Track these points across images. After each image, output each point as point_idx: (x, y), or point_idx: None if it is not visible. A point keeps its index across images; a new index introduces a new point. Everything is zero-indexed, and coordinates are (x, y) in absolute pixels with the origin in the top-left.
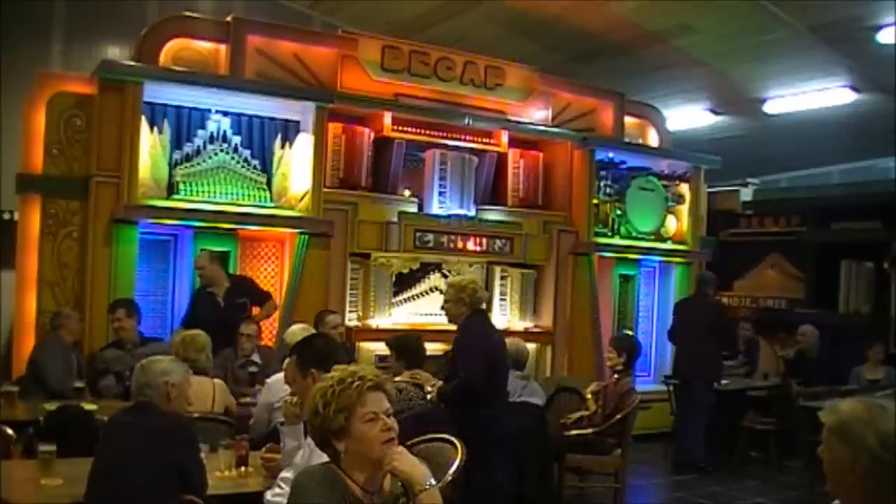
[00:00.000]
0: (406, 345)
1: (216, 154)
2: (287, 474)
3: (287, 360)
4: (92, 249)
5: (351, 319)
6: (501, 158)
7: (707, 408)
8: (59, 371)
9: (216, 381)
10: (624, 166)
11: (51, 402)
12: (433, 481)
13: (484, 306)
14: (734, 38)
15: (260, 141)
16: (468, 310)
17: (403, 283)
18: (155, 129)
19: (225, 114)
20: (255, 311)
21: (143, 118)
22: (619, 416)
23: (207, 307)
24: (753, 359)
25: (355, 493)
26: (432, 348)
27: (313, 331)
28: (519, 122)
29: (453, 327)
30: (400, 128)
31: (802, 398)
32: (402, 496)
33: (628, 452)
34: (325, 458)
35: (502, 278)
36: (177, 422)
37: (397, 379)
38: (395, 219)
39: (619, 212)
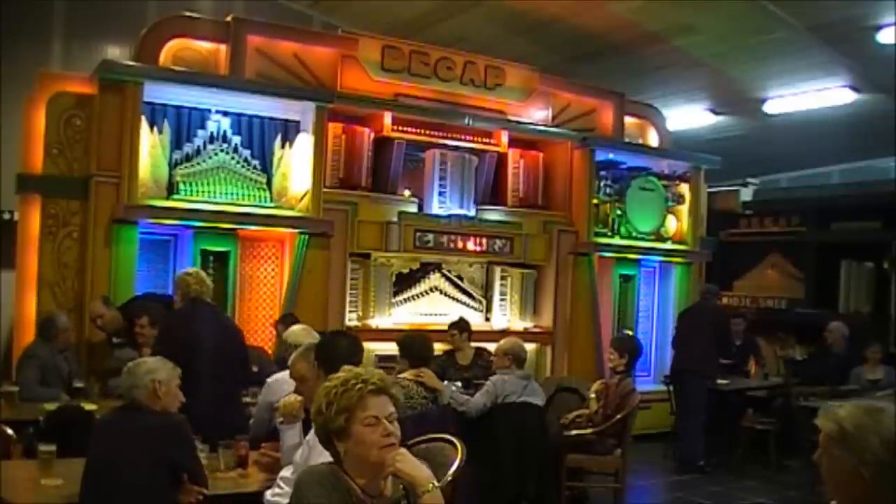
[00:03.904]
0: (412, 343)
1: (216, 154)
2: (287, 473)
3: (293, 357)
4: (92, 249)
5: (351, 319)
6: (501, 158)
7: (704, 406)
8: (31, 382)
9: None
10: (624, 166)
11: (51, 402)
12: (436, 482)
13: (207, 297)
14: (734, 38)
15: (260, 141)
16: (183, 300)
17: (403, 283)
18: (155, 129)
19: (225, 114)
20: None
21: (143, 118)
22: (619, 417)
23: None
24: (757, 356)
25: (357, 495)
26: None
27: (314, 332)
28: (519, 122)
29: None
30: (400, 128)
31: (802, 398)
32: (403, 499)
33: (628, 452)
34: (324, 457)
35: (502, 278)
36: (167, 419)
37: (401, 376)
38: (395, 219)
39: (619, 212)
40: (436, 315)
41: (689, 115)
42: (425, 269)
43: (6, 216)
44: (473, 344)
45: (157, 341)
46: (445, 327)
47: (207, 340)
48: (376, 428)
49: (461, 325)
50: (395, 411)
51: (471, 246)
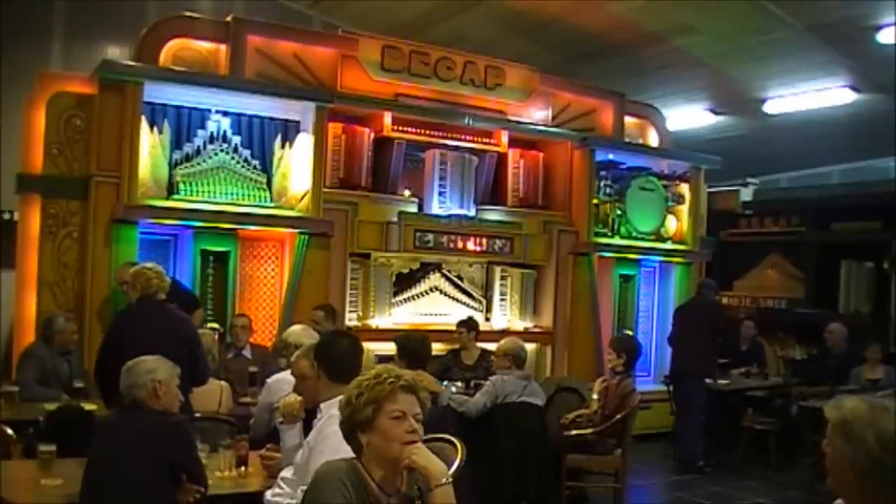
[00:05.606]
0: (410, 344)
1: (216, 154)
2: (287, 474)
3: (295, 354)
4: (92, 249)
5: (351, 319)
6: (501, 158)
7: (704, 406)
8: (30, 382)
9: (223, 382)
10: (624, 166)
11: (51, 402)
12: (449, 477)
13: (161, 295)
14: (734, 38)
15: (260, 141)
16: (136, 296)
17: (403, 283)
18: (155, 129)
19: (225, 114)
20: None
21: (143, 118)
22: (619, 417)
23: None
24: (760, 361)
25: (374, 491)
26: (434, 348)
27: (313, 332)
28: (519, 122)
29: (454, 327)
30: (400, 128)
31: (802, 398)
32: (418, 499)
33: (628, 452)
34: (325, 457)
35: (502, 278)
36: (167, 419)
37: None
38: (395, 219)
39: (619, 212)
40: (436, 315)
41: (689, 115)
42: (425, 269)
43: (6, 216)
44: (478, 345)
45: (105, 339)
46: (445, 327)
47: (158, 341)
48: (402, 423)
49: (469, 323)
50: (420, 413)
51: (471, 246)
